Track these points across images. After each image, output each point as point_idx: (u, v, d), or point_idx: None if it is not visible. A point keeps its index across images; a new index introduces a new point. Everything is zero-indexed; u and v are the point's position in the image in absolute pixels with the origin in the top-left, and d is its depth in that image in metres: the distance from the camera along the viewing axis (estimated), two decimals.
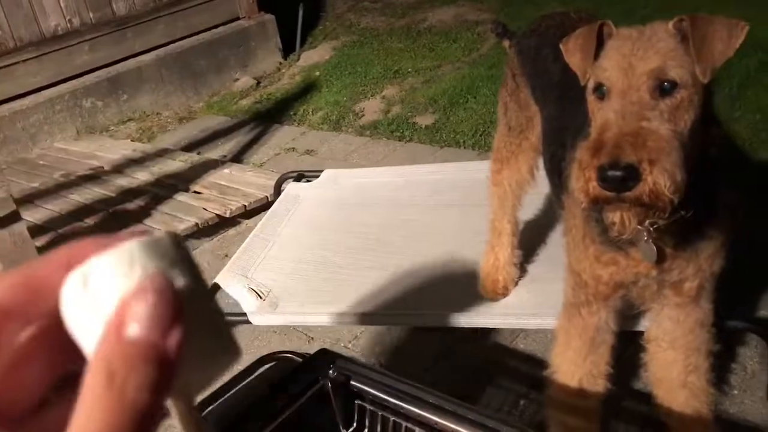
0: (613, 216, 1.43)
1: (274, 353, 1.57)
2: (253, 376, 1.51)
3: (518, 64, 2.06)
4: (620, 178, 1.16)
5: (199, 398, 1.59)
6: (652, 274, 1.56)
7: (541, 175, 2.17)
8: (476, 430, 1.30)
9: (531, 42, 2.02)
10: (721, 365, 1.98)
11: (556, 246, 2.52)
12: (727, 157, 1.55)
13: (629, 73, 1.25)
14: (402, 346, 2.42)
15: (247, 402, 1.41)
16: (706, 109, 1.33)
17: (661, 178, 1.15)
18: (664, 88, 1.24)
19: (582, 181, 1.22)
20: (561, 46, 1.43)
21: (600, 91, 1.30)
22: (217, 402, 1.45)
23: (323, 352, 1.51)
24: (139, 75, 5.24)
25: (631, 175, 1.15)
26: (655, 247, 1.47)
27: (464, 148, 3.81)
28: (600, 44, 1.35)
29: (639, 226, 1.37)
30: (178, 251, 0.42)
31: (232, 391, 1.47)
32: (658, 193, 1.17)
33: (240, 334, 2.60)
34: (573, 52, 1.41)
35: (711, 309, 1.72)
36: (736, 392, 2.01)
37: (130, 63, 5.24)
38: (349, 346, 2.46)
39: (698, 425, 1.84)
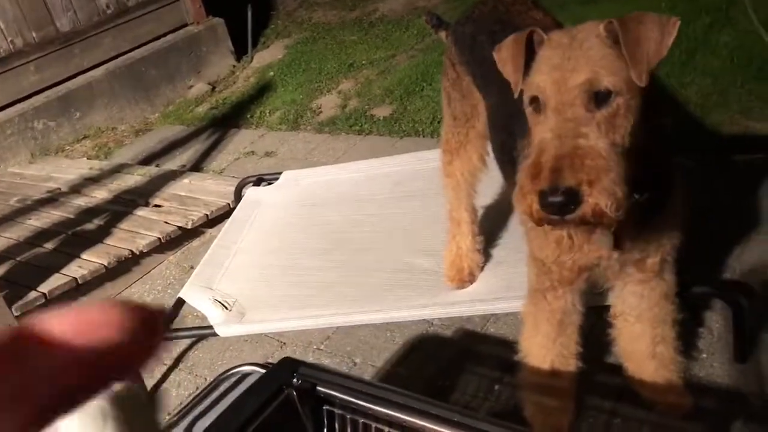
0: (561, 232, 1.44)
1: (235, 367, 1.54)
2: (215, 394, 1.48)
3: (456, 53, 2.05)
4: (560, 204, 1.15)
5: (163, 421, 1.57)
6: (614, 257, 1.56)
7: (493, 160, 2.17)
8: (443, 425, 1.30)
9: (466, 29, 2.01)
10: (688, 331, 2.00)
11: (517, 228, 2.52)
12: (675, 132, 1.55)
13: (562, 88, 1.22)
14: (374, 342, 2.41)
15: (210, 420, 1.39)
16: (649, 99, 1.31)
17: (602, 199, 1.15)
18: (598, 98, 1.21)
19: (524, 206, 1.21)
20: (494, 54, 1.41)
21: (535, 104, 1.28)
22: (180, 423, 1.42)
23: (286, 361, 1.49)
24: (90, 91, 5.14)
25: (572, 199, 1.15)
26: (612, 236, 1.47)
27: (423, 136, 3.79)
28: (531, 51, 1.32)
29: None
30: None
31: (194, 411, 1.44)
32: (600, 213, 1.16)
33: (210, 346, 2.57)
34: (504, 62, 1.38)
35: (674, 280, 1.73)
36: (704, 356, 2.03)
37: (80, 80, 5.13)
38: (322, 347, 2.44)
39: (670, 393, 1.86)
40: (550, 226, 1.28)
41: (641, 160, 1.33)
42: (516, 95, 1.37)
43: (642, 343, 1.82)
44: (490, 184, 2.41)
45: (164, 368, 2.53)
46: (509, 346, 2.20)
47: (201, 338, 2.58)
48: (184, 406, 1.45)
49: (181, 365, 2.53)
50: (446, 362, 2.24)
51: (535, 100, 1.28)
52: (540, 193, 1.17)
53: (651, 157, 1.38)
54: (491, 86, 1.92)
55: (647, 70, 1.23)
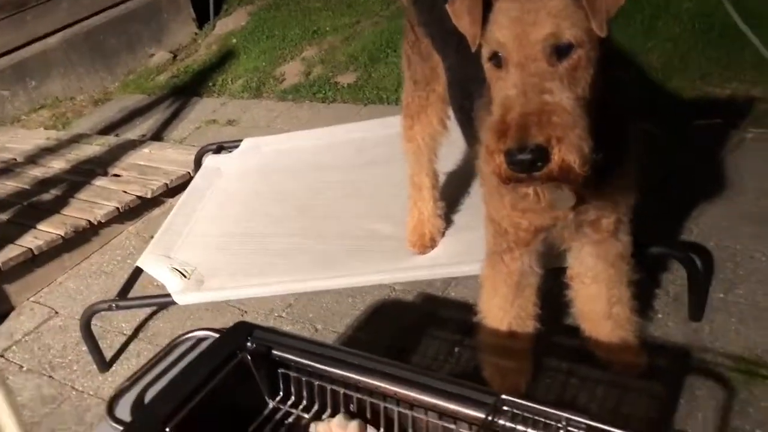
0: (527, 190, 1.42)
1: (189, 332, 1.52)
2: (168, 359, 1.46)
3: (415, 14, 2.01)
4: (529, 161, 1.14)
5: (116, 385, 1.54)
6: (570, 217, 1.56)
7: (454, 124, 2.15)
8: (398, 385, 1.29)
9: None
10: (645, 292, 2.03)
11: (478, 194, 2.51)
12: (631, 92, 1.54)
13: (524, 42, 1.19)
14: (336, 308, 2.40)
15: (164, 383, 1.36)
16: (605, 51, 1.30)
17: (569, 155, 1.14)
18: (560, 51, 1.20)
19: (492, 165, 1.20)
20: (447, 8, 1.37)
21: (496, 59, 1.25)
22: (132, 389, 1.40)
23: (240, 325, 1.47)
24: (45, 59, 4.99)
25: (540, 156, 1.14)
26: (572, 195, 1.46)
27: (388, 103, 3.76)
28: (487, 2, 1.28)
29: None
30: None
31: (146, 377, 1.42)
32: (568, 169, 1.16)
33: (170, 316, 2.54)
34: (460, 15, 1.32)
35: (629, 241, 1.74)
36: (660, 316, 2.06)
37: (35, 47, 4.97)
38: (283, 314, 2.42)
39: (625, 352, 1.89)
40: (516, 185, 1.26)
41: (598, 116, 1.32)
42: (474, 49, 1.34)
43: (598, 304, 1.84)
44: (451, 149, 2.40)
45: (123, 338, 2.49)
46: (469, 308, 2.20)
47: (160, 307, 2.54)
48: (136, 372, 1.43)
49: (140, 335, 2.50)
50: (408, 326, 2.25)
51: (495, 55, 1.25)
52: (507, 151, 1.15)
53: (607, 114, 1.37)
54: (449, 47, 1.89)
55: (607, 19, 1.22)
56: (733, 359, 1.88)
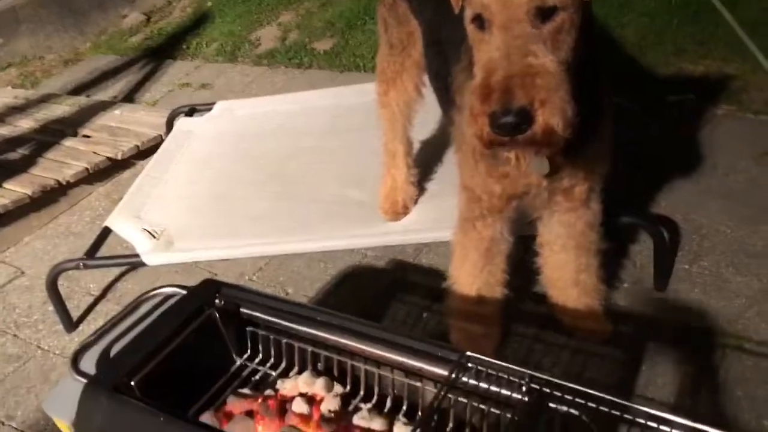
0: (509, 154, 1.41)
1: (155, 288, 1.51)
2: (134, 316, 1.45)
3: None
4: (513, 124, 1.13)
5: (81, 340, 1.52)
6: (544, 185, 1.57)
7: (429, 91, 2.14)
8: (366, 342, 1.30)
9: None
10: (612, 261, 2.06)
11: (452, 162, 2.52)
12: (605, 60, 1.55)
13: (508, 4, 1.17)
14: (307, 273, 2.40)
15: (129, 339, 1.36)
16: (587, 20, 1.30)
17: (552, 118, 1.14)
18: (544, 14, 1.18)
19: (475, 128, 1.19)
20: None
21: (479, 21, 1.23)
22: (96, 344, 1.39)
23: (208, 282, 1.46)
24: (14, 16, 4.85)
25: (524, 118, 1.13)
26: (547, 161, 1.46)
27: (365, 71, 3.73)
28: None
29: None
30: None
31: (111, 333, 1.41)
32: (551, 132, 1.15)
33: (139, 277, 2.51)
34: None
35: (600, 210, 1.76)
36: (626, 285, 2.10)
37: (3, 3, 4.83)
38: (254, 278, 2.42)
39: (590, 319, 1.92)
40: (499, 148, 1.25)
41: (576, 82, 1.33)
42: (456, 11, 1.33)
43: (566, 271, 1.86)
44: (426, 117, 2.40)
45: (91, 299, 2.47)
46: (440, 275, 2.22)
47: (129, 267, 2.52)
48: (101, 327, 1.42)
49: (108, 295, 2.47)
50: (378, 292, 2.25)
51: (478, 17, 1.24)
52: (491, 114, 1.15)
53: (585, 80, 1.37)
54: (426, 11, 1.88)
55: None
56: (696, 328, 1.92)
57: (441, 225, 2.16)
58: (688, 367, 1.82)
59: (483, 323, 1.88)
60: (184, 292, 1.48)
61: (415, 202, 2.37)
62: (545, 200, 1.67)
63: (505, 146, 1.23)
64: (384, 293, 2.25)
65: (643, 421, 1.00)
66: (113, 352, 1.34)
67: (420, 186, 2.41)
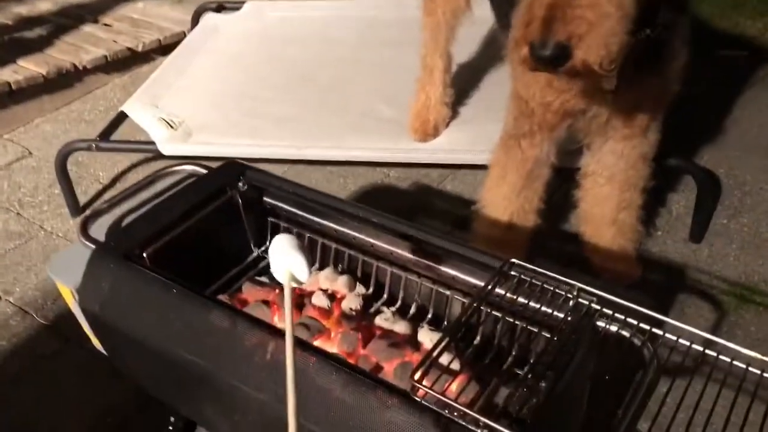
0: (558, 78, 1.32)
1: (176, 164, 1.41)
2: (154, 188, 1.36)
3: None
4: (550, 58, 1.07)
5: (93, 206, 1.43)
6: (608, 100, 1.44)
7: (478, 2, 2.01)
8: (395, 238, 1.21)
9: None
10: (647, 208, 1.95)
11: (490, 86, 2.39)
12: None
13: None
14: (325, 186, 2.30)
15: (143, 211, 1.27)
16: None
17: (591, 55, 1.06)
18: None
19: (517, 55, 1.13)
20: None
21: None
22: (111, 210, 1.30)
23: (233, 163, 1.36)
24: None
25: (561, 53, 1.06)
26: (615, 75, 1.35)
27: None
28: None
29: None
30: None
31: (129, 201, 1.32)
32: (589, 69, 1.08)
33: (151, 168, 2.41)
34: None
35: (657, 141, 1.64)
36: (659, 233, 2.00)
37: None
38: None
39: (621, 261, 1.83)
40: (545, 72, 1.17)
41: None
42: None
43: (606, 207, 1.76)
44: (470, 35, 2.26)
45: (99, 186, 2.38)
46: (464, 203, 2.13)
47: (142, 157, 2.42)
48: (115, 196, 1.33)
49: (117, 185, 2.38)
50: (397, 212, 2.15)
51: None
52: (531, 44, 1.09)
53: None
54: None
55: None
56: (728, 283, 1.83)
57: (473, 147, 2.06)
58: (716, 322, 1.74)
59: (508, 251, 1.78)
60: (206, 171, 1.38)
61: (447, 125, 2.26)
62: (602, 124, 1.55)
63: (550, 73, 1.16)
64: (403, 214, 2.14)
65: (710, 353, 0.91)
66: (126, 222, 1.25)
67: (453, 109, 2.29)
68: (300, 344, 0.92)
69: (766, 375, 0.88)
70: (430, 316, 1.22)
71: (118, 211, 1.30)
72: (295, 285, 0.92)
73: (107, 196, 2.34)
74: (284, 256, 0.90)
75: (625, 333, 0.96)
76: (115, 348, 1.20)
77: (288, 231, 1.34)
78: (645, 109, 1.48)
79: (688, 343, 0.93)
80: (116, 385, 1.63)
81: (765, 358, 0.88)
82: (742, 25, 2.94)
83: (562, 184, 1.91)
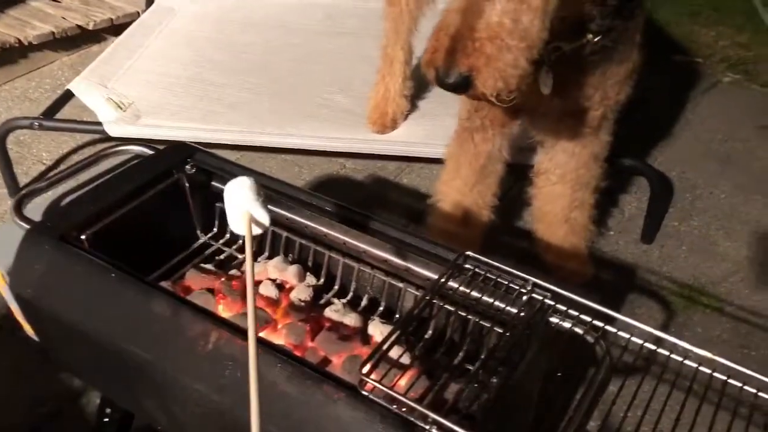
0: None
1: (120, 144, 1.34)
2: (96, 168, 1.29)
3: None
4: (452, 86, 1.10)
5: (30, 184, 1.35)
6: (555, 102, 1.44)
7: None
8: (349, 228, 1.18)
9: None
10: (601, 208, 1.96)
11: None
12: None
13: None
14: (280, 175, 2.21)
15: (84, 191, 1.20)
16: None
17: (488, 87, 1.08)
18: None
19: (429, 75, 1.14)
20: None
21: None
22: (49, 189, 1.23)
23: (181, 145, 1.31)
24: None
25: (463, 83, 1.08)
26: (551, 79, 1.34)
27: None
28: None
29: None
30: None
31: (69, 181, 1.25)
32: (487, 99, 1.10)
33: (95, 149, 2.32)
34: None
35: (609, 142, 1.64)
36: (612, 233, 2.01)
37: None
38: None
39: (574, 260, 1.83)
40: None
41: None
42: None
43: (558, 205, 1.76)
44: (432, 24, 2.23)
45: (42, 167, 2.28)
46: (420, 197, 2.11)
47: (88, 138, 2.33)
48: (53, 175, 1.26)
49: (62, 166, 2.28)
50: (352, 204, 2.12)
51: None
52: (436, 70, 1.10)
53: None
54: None
55: None
56: (677, 284, 1.85)
57: (431, 141, 2.04)
58: (665, 322, 1.76)
59: (462, 246, 1.77)
60: (152, 152, 1.32)
61: (405, 117, 2.23)
62: (554, 121, 1.55)
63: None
64: (360, 207, 2.12)
65: (662, 351, 0.91)
66: (64, 202, 1.19)
67: (412, 102, 2.26)
68: (243, 335, 0.88)
69: (716, 375, 0.87)
70: (382, 308, 1.19)
71: (57, 191, 1.23)
72: (256, 232, 0.88)
73: (51, 174, 2.25)
74: (242, 200, 0.86)
75: (579, 330, 0.95)
76: (49, 335, 1.14)
77: None
78: (594, 110, 1.47)
79: (640, 342, 0.92)
80: (50, 373, 1.56)
81: (716, 358, 0.88)
82: (697, 32, 2.99)
83: (516, 181, 1.90)
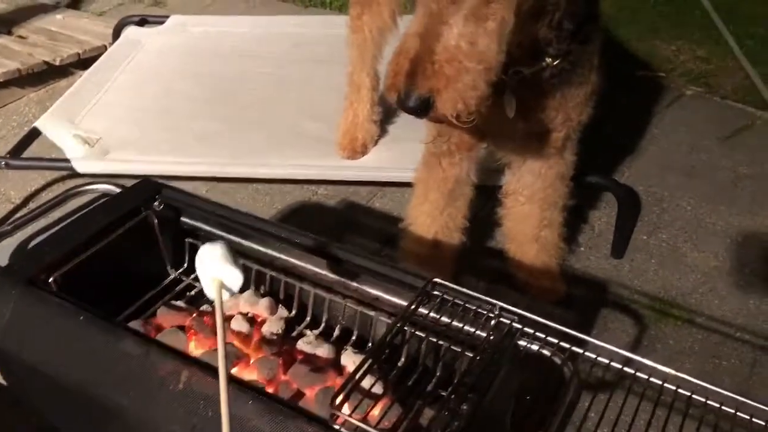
0: None
1: (88, 183, 1.34)
2: (62, 209, 1.29)
3: None
4: (414, 109, 1.10)
5: None
6: (519, 125, 1.47)
7: (405, 23, 2.01)
8: (318, 258, 1.18)
9: None
10: (570, 225, 1.99)
11: None
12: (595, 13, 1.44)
13: None
14: (251, 205, 2.25)
15: (51, 233, 1.20)
16: None
17: (448, 109, 1.10)
18: None
19: (391, 97, 1.15)
20: None
21: None
22: (16, 232, 1.22)
23: (148, 182, 1.31)
24: None
25: (423, 105, 1.09)
26: (514, 102, 1.37)
27: (330, 9, 3.54)
28: None
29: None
30: None
31: (36, 222, 1.25)
32: (448, 120, 1.13)
33: (64, 186, 2.30)
34: None
35: (574, 162, 1.67)
36: (582, 249, 2.04)
37: None
38: None
39: (546, 277, 1.85)
40: None
41: (556, 25, 1.24)
42: None
43: (528, 225, 1.78)
44: None
45: (10, 206, 2.25)
46: (393, 220, 2.11)
47: (57, 176, 2.31)
48: (20, 217, 1.25)
49: (30, 204, 2.25)
50: (326, 231, 2.12)
51: None
52: (397, 94, 1.12)
53: (571, 24, 1.28)
54: None
55: None
56: (648, 298, 1.88)
57: (401, 165, 2.05)
58: (637, 336, 1.78)
59: (435, 269, 1.78)
60: (120, 190, 1.32)
61: (375, 143, 2.25)
62: (519, 143, 1.57)
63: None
64: (332, 233, 2.12)
65: (628, 370, 0.92)
66: (32, 245, 1.18)
67: (382, 127, 2.28)
68: (214, 373, 0.88)
69: (680, 391, 0.89)
70: (354, 338, 1.19)
71: (24, 233, 1.23)
72: (226, 296, 0.89)
73: (17, 217, 2.22)
74: (212, 267, 0.88)
75: (546, 352, 0.96)
76: (17, 378, 1.13)
77: None
78: (557, 131, 1.50)
79: (607, 361, 0.94)
80: (17, 416, 1.53)
81: (680, 375, 0.89)
82: (658, 48, 3.06)
83: (487, 202, 1.92)
